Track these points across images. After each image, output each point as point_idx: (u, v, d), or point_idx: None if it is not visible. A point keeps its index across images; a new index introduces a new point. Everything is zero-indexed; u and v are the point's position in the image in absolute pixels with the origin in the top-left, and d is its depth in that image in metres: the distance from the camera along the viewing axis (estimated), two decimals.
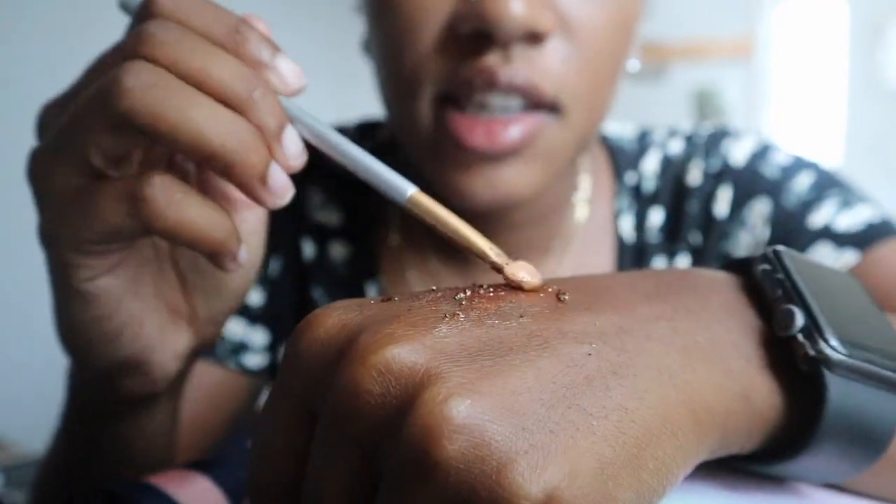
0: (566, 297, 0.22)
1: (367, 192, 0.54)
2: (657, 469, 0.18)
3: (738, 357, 0.22)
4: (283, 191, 0.27)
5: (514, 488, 0.16)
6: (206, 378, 0.50)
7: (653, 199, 0.52)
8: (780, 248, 0.25)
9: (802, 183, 0.49)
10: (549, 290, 0.22)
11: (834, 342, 0.21)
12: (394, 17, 0.40)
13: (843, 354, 0.21)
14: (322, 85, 2.09)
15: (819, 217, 0.47)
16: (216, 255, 0.27)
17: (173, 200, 0.25)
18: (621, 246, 0.51)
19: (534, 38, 0.37)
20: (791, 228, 0.48)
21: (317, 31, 2.05)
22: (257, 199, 0.26)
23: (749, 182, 0.50)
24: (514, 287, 0.22)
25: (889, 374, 0.22)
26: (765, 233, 0.49)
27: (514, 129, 0.39)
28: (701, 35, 2.32)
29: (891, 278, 0.43)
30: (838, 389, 0.21)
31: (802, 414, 0.22)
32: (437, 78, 0.39)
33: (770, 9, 2.28)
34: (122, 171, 0.27)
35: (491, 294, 0.22)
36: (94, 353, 0.30)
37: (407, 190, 0.25)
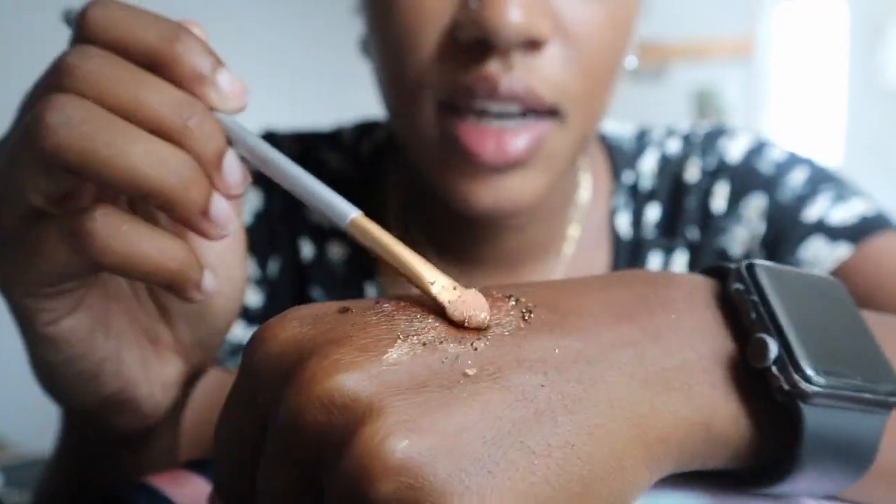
0: (531, 317, 0.21)
1: (366, 193, 0.54)
2: (596, 494, 0.18)
3: (704, 384, 0.21)
4: (225, 221, 0.25)
5: None
6: (206, 379, 0.50)
7: (650, 196, 0.52)
8: (757, 263, 0.23)
9: (797, 178, 0.49)
10: (515, 302, 0.21)
11: (809, 372, 0.20)
12: (394, 24, 0.40)
13: (820, 386, 0.20)
14: (322, 85, 2.09)
15: (813, 211, 0.47)
16: (175, 287, 0.26)
17: (119, 233, 0.24)
18: (618, 242, 0.51)
19: (532, 45, 0.38)
20: (786, 223, 0.48)
21: (316, 31, 2.05)
22: (199, 233, 0.25)
23: (745, 178, 0.50)
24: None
25: (868, 396, 0.21)
26: (761, 227, 0.49)
27: (522, 140, 0.39)
28: (701, 35, 2.32)
29: (884, 270, 0.43)
30: (815, 418, 0.21)
31: (779, 440, 0.21)
32: (439, 85, 0.39)
33: (770, 9, 2.28)
34: (73, 205, 0.25)
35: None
36: (73, 394, 0.29)
37: (349, 213, 0.24)
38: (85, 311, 0.27)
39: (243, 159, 0.26)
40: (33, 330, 0.27)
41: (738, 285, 0.23)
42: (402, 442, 0.17)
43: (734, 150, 0.52)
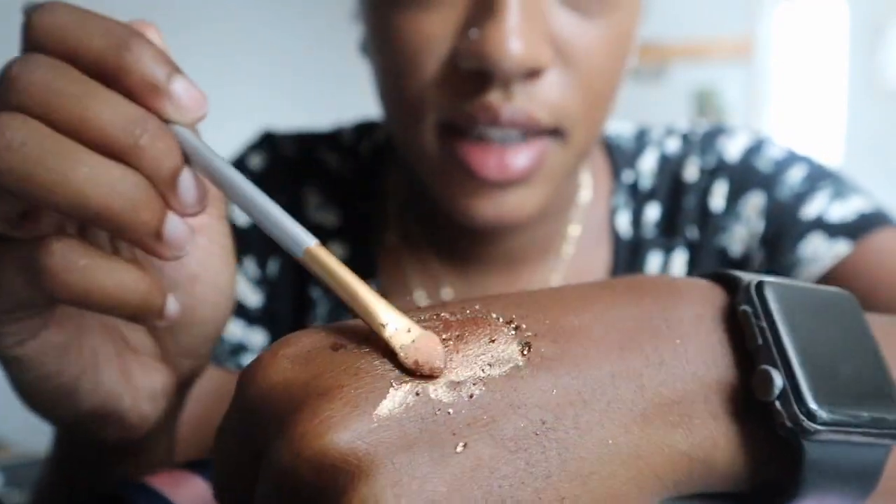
0: (529, 352, 0.20)
1: (365, 193, 0.54)
2: None
3: (705, 416, 0.20)
4: (180, 243, 0.24)
5: None
6: (205, 380, 0.50)
7: (649, 195, 0.53)
8: (767, 282, 0.22)
9: (795, 176, 0.49)
10: (515, 331, 0.20)
11: (814, 407, 0.20)
12: (394, 48, 0.40)
13: (823, 423, 0.20)
14: (322, 85, 2.09)
15: (812, 208, 0.47)
16: (137, 319, 0.25)
17: (77, 268, 0.23)
18: (617, 241, 0.51)
19: (533, 73, 0.38)
20: (785, 220, 0.48)
21: (317, 31, 2.05)
22: (153, 255, 0.24)
23: (743, 176, 0.50)
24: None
25: (874, 430, 0.21)
26: (759, 225, 0.49)
27: (523, 157, 0.39)
28: (701, 35, 2.32)
29: (883, 267, 0.43)
30: (818, 451, 0.20)
31: (780, 469, 0.21)
32: (440, 108, 0.39)
33: (770, 9, 2.28)
34: (33, 227, 0.24)
35: (450, 341, 0.20)
36: (51, 409, 0.29)
37: (305, 242, 0.22)
38: (53, 330, 0.27)
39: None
40: (0, 351, 0.26)
41: (746, 307, 0.21)
42: None
43: (733, 148, 0.52)
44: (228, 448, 0.21)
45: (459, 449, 0.18)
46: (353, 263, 0.53)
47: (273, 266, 0.53)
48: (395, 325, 0.20)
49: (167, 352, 0.31)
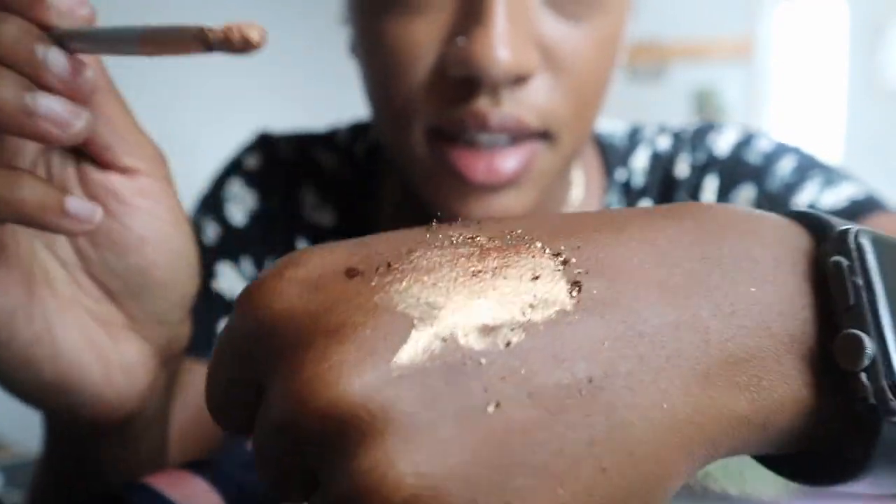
0: (579, 294, 0.17)
1: (361, 194, 0.54)
2: None
3: (775, 376, 0.18)
4: (89, 215, 0.26)
5: None
6: (202, 380, 0.50)
7: (642, 193, 0.53)
8: (863, 231, 0.19)
9: (785, 167, 0.49)
10: (563, 266, 0.17)
11: None
12: (382, 55, 0.40)
13: None
14: (318, 86, 2.09)
15: (803, 197, 0.47)
16: (36, 219, 0.25)
17: None
18: None
19: (521, 79, 0.38)
20: (776, 211, 0.48)
21: (313, 32, 2.05)
22: (66, 233, 0.26)
23: (733, 170, 0.51)
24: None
25: None
26: None
27: (512, 161, 0.39)
28: (701, 35, 2.32)
29: None
30: (894, 433, 0.18)
31: (847, 443, 0.19)
32: (428, 115, 0.40)
33: (770, 9, 2.28)
34: None
35: (487, 273, 0.17)
36: (13, 379, 0.29)
37: (138, 30, 0.23)
38: (1, 296, 0.27)
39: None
40: None
41: (840, 258, 0.18)
42: (407, 475, 0.15)
43: (722, 143, 0.52)
44: (224, 375, 0.19)
45: (491, 409, 0.15)
46: None
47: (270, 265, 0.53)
48: (205, 28, 0.20)
49: (137, 322, 0.31)
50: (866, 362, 0.17)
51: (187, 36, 0.20)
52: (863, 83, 2.19)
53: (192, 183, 0.55)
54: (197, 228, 0.53)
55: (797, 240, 0.20)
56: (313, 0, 2.13)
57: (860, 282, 0.18)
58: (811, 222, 0.20)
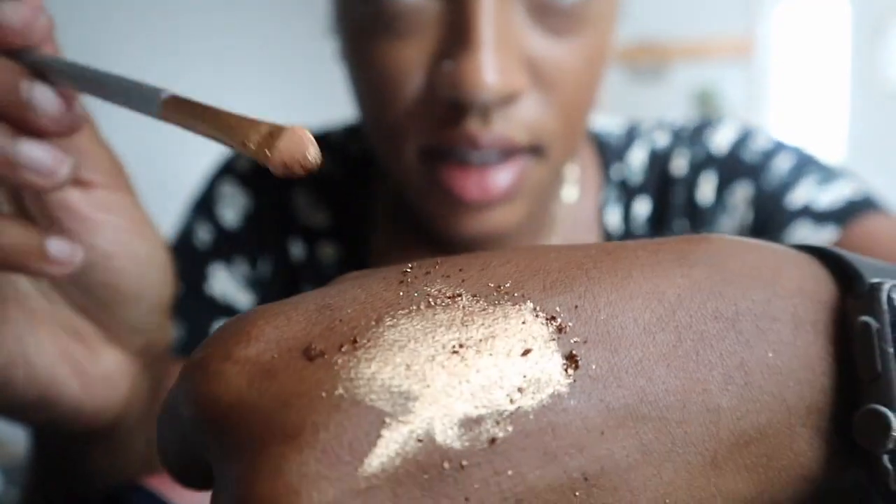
0: (576, 366, 0.15)
1: (355, 194, 0.54)
2: None
3: (787, 454, 0.16)
4: (69, 258, 0.25)
5: None
6: None
7: (639, 190, 0.53)
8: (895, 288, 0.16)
9: (782, 165, 0.49)
10: (558, 335, 0.15)
11: None
12: (371, 77, 0.40)
13: None
14: (316, 85, 2.09)
15: (799, 195, 0.47)
16: (18, 269, 0.25)
17: None
18: (607, 238, 0.51)
19: (510, 99, 0.38)
20: (772, 209, 0.48)
21: (310, 32, 2.05)
22: (46, 277, 0.26)
23: (731, 168, 0.51)
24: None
25: None
26: (749, 216, 0.49)
27: (503, 178, 0.39)
28: (701, 35, 2.31)
29: (871, 252, 0.43)
30: None
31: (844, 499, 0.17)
32: (419, 134, 0.40)
33: (770, 9, 2.28)
34: None
35: (469, 348, 0.14)
36: None
37: (160, 93, 0.20)
38: None
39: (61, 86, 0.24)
40: None
41: (868, 319, 0.16)
42: None
43: (720, 140, 0.52)
44: (172, 445, 0.17)
45: None
46: (344, 264, 0.53)
47: (264, 268, 0.53)
48: (258, 135, 0.17)
49: (112, 332, 0.30)
50: (891, 446, 0.15)
51: (235, 139, 0.18)
52: (864, 83, 2.19)
53: (186, 183, 0.55)
54: (189, 230, 0.53)
55: (821, 289, 0.17)
56: (309, 2, 2.13)
57: (891, 350, 0.16)
58: (836, 265, 0.18)
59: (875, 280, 0.17)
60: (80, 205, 0.27)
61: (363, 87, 0.42)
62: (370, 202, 0.53)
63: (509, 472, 0.14)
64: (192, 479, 0.17)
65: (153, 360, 0.32)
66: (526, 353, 0.14)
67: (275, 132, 0.17)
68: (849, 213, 0.45)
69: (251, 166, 0.55)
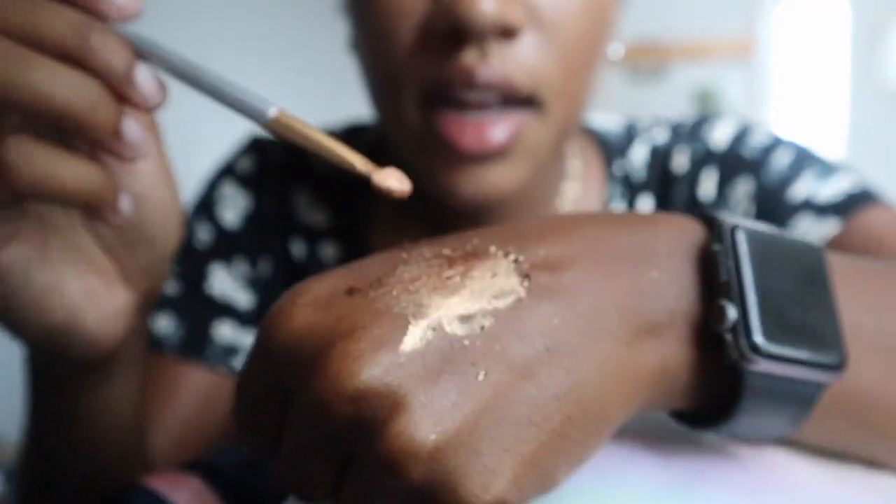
0: (529, 284, 0.22)
1: (356, 192, 0.54)
2: (586, 445, 0.22)
3: (674, 342, 0.23)
4: (139, 142, 0.27)
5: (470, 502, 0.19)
6: (198, 381, 0.50)
7: (642, 187, 0.53)
8: (741, 226, 0.24)
9: (782, 159, 0.50)
10: (515, 263, 0.22)
11: (759, 340, 0.22)
12: (371, 21, 0.41)
13: (764, 355, 0.22)
14: (319, 85, 2.09)
15: (799, 189, 0.48)
16: (92, 210, 0.27)
17: (33, 160, 0.25)
18: None
19: (507, 33, 0.38)
20: (773, 203, 0.49)
21: (313, 32, 2.05)
22: (114, 154, 0.27)
23: (731, 164, 0.51)
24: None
25: (811, 369, 0.23)
26: (751, 210, 0.50)
27: (500, 130, 0.40)
28: (701, 35, 2.32)
29: (872, 243, 0.44)
30: (758, 380, 0.23)
31: (725, 391, 0.24)
32: (418, 77, 0.40)
33: (770, 9, 2.28)
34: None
35: (456, 276, 0.22)
36: (22, 325, 0.30)
37: (270, 109, 0.25)
38: (21, 244, 0.29)
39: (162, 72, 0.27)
40: None
41: (717, 246, 0.24)
42: (430, 434, 0.19)
43: (719, 136, 0.53)
44: (253, 392, 0.22)
45: (480, 377, 0.20)
46: (344, 263, 0.53)
47: (265, 267, 0.53)
48: (363, 162, 0.25)
49: (126, 271, 0.32)
50: (728, 324, 0.23)
51: (348, 165, 0.25)
52: (864, 83, 2.19)
53: (191, 183, 0.55)
54: (190, 231, 0.54)
55: (694, 235, 0.25)
56: (314, 0, 2.13)
57: (731, 264, 0.23)
58: (709, 221, 0.25)
59: (724, 222, 0.24)
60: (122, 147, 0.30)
61: (365, 33, 0.43)
62: (370, 202, 0.53)
63: (497, 348, 0.20)
64: (263, 426, 0.22)
65: (149, 305, 0.34)
66: (494, 275, 0.22)
67: (374, 169, 0.24)
68: (850, 205, 0.46)
69: (251, 167, 0.55)
